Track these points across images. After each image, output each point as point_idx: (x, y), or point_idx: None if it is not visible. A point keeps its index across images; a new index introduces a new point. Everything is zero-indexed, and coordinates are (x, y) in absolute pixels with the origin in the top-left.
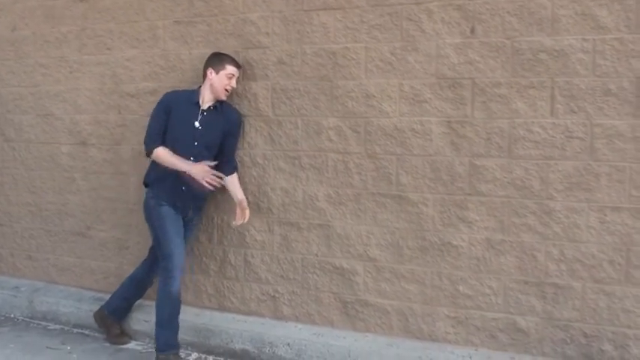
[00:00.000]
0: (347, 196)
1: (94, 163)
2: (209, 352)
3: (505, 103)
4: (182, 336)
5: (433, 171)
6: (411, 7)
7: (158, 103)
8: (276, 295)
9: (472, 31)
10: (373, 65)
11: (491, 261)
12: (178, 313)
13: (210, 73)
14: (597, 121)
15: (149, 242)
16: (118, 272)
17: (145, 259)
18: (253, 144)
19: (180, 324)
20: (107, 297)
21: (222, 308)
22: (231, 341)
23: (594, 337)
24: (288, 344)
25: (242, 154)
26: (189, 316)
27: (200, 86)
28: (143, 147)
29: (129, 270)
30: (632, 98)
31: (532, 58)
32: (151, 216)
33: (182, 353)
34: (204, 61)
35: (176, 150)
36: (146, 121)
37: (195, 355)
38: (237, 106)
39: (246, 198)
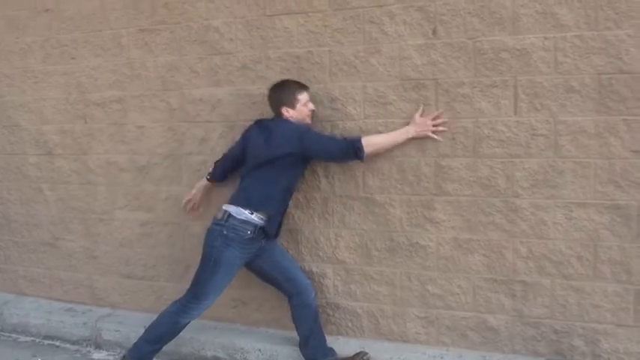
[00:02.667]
0: (315, 200)
1: (61, 173)
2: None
3: (469, 102)
4: None
5: (399, 172)
6: (372, 9)
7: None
8: (247, 301)
9: (434, 32)
10: (337, 69)
11: (460, 260)
12: (168, 341)
13: (287, 112)
14: (561, 118)
15: (119, 251)
16: (87, 282)
17: None
18: (219, 151)
19: None
20: (78, 307)
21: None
22: (203, 348)
23: (564, 333)
24: (260, 350)
25: (208, 159)
26: None
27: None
28: (348, 155)
29: (98, 280)
30: (595, 94)
31: (494, 58)
32: (212, 254)
33: None
34: (169, 68)
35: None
36: (113, 129)
37: None
38: (201, 112)
39: (214, 202)
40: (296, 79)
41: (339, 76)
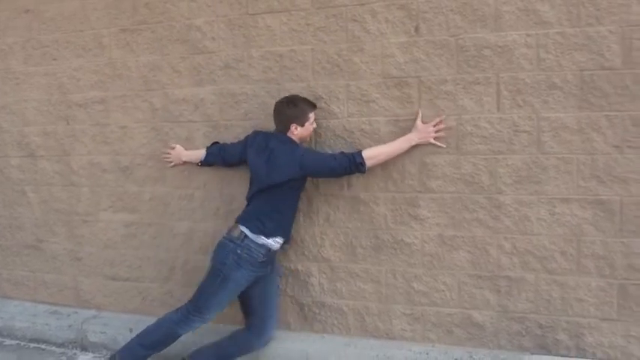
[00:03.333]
0: (299, 199)
1: (44, 174)
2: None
3: (452, 99)
4: None
5: (383, 170)
6: (355, 8)
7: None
8: (233, 300)
9: (416, 29)
10: (320, 67)
11: (444, 257)
12: (161, 349)
13: (296, 129)
14: (543, 114)
15: (103, 252)
16: (72, 284)
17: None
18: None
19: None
20: (63, 310)
21: None
22: (187, 349)
23: (549, 327)
24: None
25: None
26: (141, 326)
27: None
28: (347, 168)
29: (83, 282)
30: (577, 91)
31: (477, 55)
32: (222, 270)
33: None
34: (152, 68)
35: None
36: (96, 129)
37: None
38: (184, 112)
39: (199, 205)
40: (271, 76)
41: (322, 74)
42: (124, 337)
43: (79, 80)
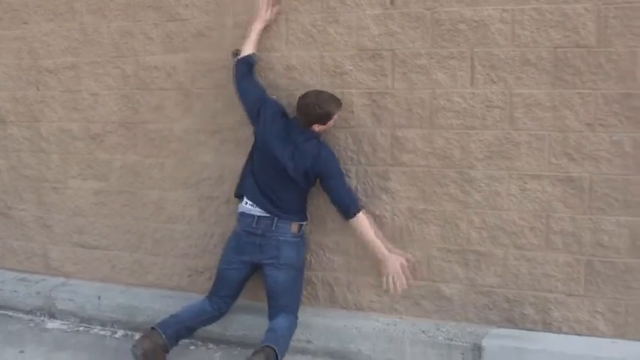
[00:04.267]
0: None
1: (13, 141)
2: (135, 329)
3: (425, 73)
4: (108, 314)
5: (355, 143)
6: None
7: (334, 154)
8: (201, 270)
9: (392, 2)
10: (294, 37)
11: (415, 230)
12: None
13: (317, 127)
14: (516, 90)
15: (72, 220)
16: (41, 252)
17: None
18: (174, 118)
19: (106, 302)
20: (31, 277)
21: (147, 284)
22: (157, 317)
23: (516, 301)
24: None
25: (162, 128)
26: (114, 294)
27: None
28: (344, 205)
29: (52, 249)
30: (551, 68)
31: (452, 29)
32: (302, 269)
33: (108, 331)
34: (123, 34)
35: None
36: (67, 96)
37: (121, 332)
38: (156, 80)
39: (170, 173)
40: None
41: (296, 44)
42: (92, 305)
43: (50, 45)
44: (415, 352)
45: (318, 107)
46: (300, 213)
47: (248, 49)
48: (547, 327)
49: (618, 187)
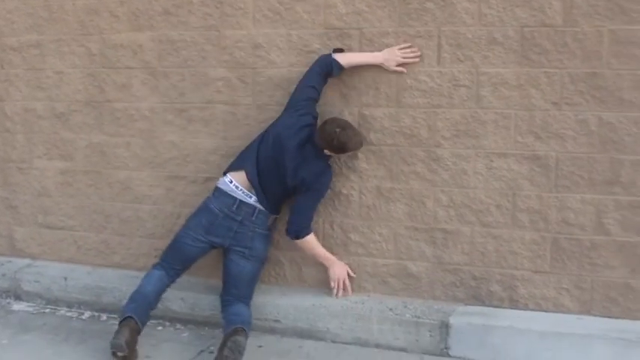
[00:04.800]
0: (236, 148)
1: None
2: (102, 310)
3: None
4: (75, 295)
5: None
6: None
7: (330, 175)
8: None
9: None
10: (261, 15)
11: (382, 209)
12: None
13: (329, 152)
14: (483, 69)
15: (38, 201)
16: (6, 233)
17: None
18: (140, 96)
19: (73, 283)
20: None
21: (113, 265)
22: (124, 298)
23: (483, 279)
24: (182, 299)
25: (128, 106)
26: (80, 275)
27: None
28: (295, 227)
29: (17, 230)
30: (517, 47)
31: (419, 8)
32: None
33: (74, 312)
34: (89, 12)
35: None
36: (31, 74)
37: (88, 313)
38: (122, 58)
39: (136, 153)
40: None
41: (263, 22)
42: (58, 286)
43: (14, 23)
44: (383, 329)
45: (336, 140)
46: (279, 207)
47: (344, 60)
48: (514, 304)
49: (584, 165)
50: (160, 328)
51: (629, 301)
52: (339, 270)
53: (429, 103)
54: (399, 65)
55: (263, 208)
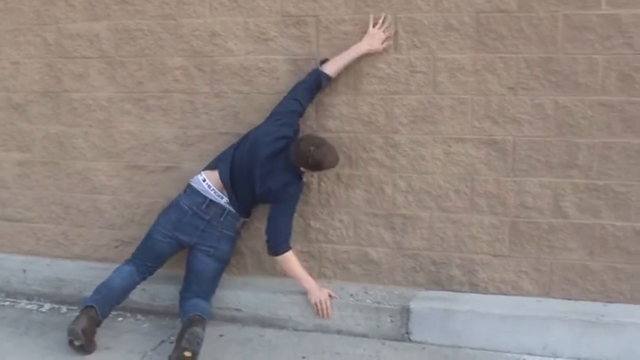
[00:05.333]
0: (195, 136)
1: None
2: (62, 302)
3: (349, 39)
4: (34, 287)
5: None
6: None
7: (299, 188)
8: (128, 241)
9: None
10: (218, 3)
11: (341, 195)
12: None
13: (305, 170)
14: (440, 55)
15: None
16: None
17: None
18: (98, 86)
19: (32, 275)
20: None
21: (73, 256)
22: (85, 289)
23: (443, 264)
24: (144, 289)
25: (86, 97)
26: (40, 267)
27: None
28: (272, 242)
29: None
30: (473, 32)
31: None
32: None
33: (34, 305)
34: (44, 1)
35: None
36: None
37: (48, 305)
38: (78, 48)
39: (94, 143)
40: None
41: (220, 10)
42: (17, 279)
43: None
44: (344, 315)
45: (311, 159)
46: (249, 211)
47: (332, 68)
48: (474, 288)
49: (540, 149)
50: (120, 319)
51: (587, 283)
52: (318, 294)
53: (387, 89)
54: (384, 42)
55: (233, 210)
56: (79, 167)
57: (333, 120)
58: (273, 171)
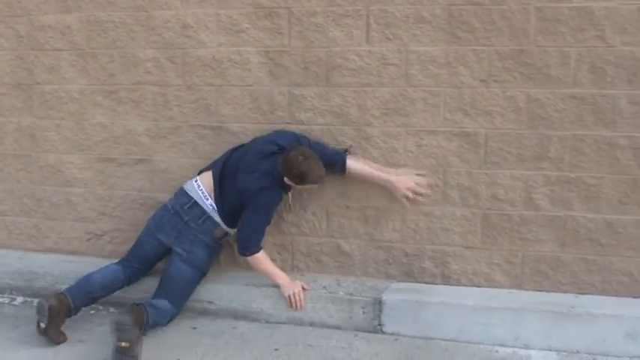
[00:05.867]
0: (167, 129)
1: None
2: (35, 295)
3: (322, 32)
4: (6, 280)
5: (253, 101)
6: None
7: (270, 205)
8: (100, 233)
9: None
10: None
11: (314, 188)
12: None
13: (289, 181)
14: (412, 47)
15: None
16: None
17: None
18: (69, 78)
19: (4, 268)
20: None
21: (45, 249)
22: (57, 282)
23: (415, 256)
24: None
25: (57, 89)
26: (12, 260)
27: (277, 177)
28: (241, 242)
29: None
30: (445, 25)
31: None
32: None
33: (6, 298)
34: None
35: None
36: None
37: (20, 299)
38: (50, 40)
39: (66, 135)
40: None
41: (192, 2)
42: None
43: None
44: (317, 307)
45: (296, 169)
46: (231, 222)
47: (354, 165)
48: (446, 280)
49: (512, 141)
50: (92, 312)
51: (559, 275)
52: (291, 286)
53: (359, 82)
54: (405, 197)
55: (214, 216)
56: (50, 160)
57: (305, 112)
58: (257, 171)
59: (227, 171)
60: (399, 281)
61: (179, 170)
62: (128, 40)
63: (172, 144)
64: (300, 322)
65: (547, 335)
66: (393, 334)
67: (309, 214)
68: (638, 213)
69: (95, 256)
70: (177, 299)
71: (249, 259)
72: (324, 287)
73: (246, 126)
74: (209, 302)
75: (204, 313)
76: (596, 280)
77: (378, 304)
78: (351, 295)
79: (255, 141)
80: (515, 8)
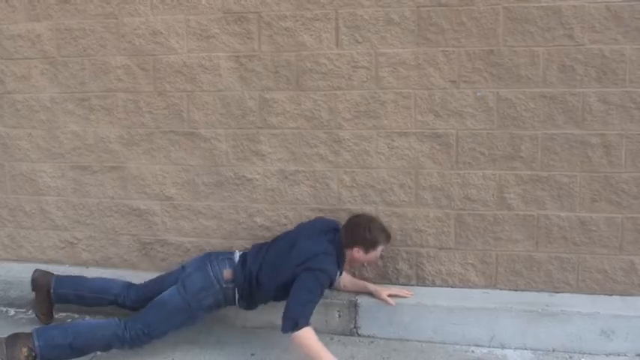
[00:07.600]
0: (139, 135)
1: None
2: (10, 304)
3: (291, 36)
4: None
5: (224, 106)
6: None
7: (325, 274)
8: (74, 242)
9: None
10: (159, 1)
11: (286, 191)
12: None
13: (358, 252)
14: (381, 50)
15: None
16: None
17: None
18: (40, 87)
19: None
20: None
21: (19, 258)
22: (32, 292)
23: (389, 257)
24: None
25: (29, 98)
26: None
27: (338, 252)
28: (288, 320)
29: None
30: (414, 27)
31: None
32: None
33: None
34: None
35: None
36: None
37: None
38: (20, 49)
39: (38, 144)
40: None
41: (161, 8)
42: None
43: None
44: None
45: (367, 231)
46: (254, 300)
47: (346, 276)
48: (421, 281)
49: (484, 141)
50: (69, 320)
51: (533, 274)
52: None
53: (329, 85)
54: (390, 295)
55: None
56: (23, 169)
57: (276, 116)
58: (318, 237)
59: (272, 254)
60: (374, 283)
61: (152, 177)
62: (98, 47)
63: (145, 150)
64: (276, 327)
65: (523, 334)
66: (369, 336)
67: (282, 219)
68: (610, 210)
69: (70, 265)
70: (150, 330)
71: (292, 338)
72: None
73: (217, 131)
74: None
75: None
76: (571, 278)
77: (354, 306)
78: (327, 298)
79: (301, 226)
80: (483, 9)
